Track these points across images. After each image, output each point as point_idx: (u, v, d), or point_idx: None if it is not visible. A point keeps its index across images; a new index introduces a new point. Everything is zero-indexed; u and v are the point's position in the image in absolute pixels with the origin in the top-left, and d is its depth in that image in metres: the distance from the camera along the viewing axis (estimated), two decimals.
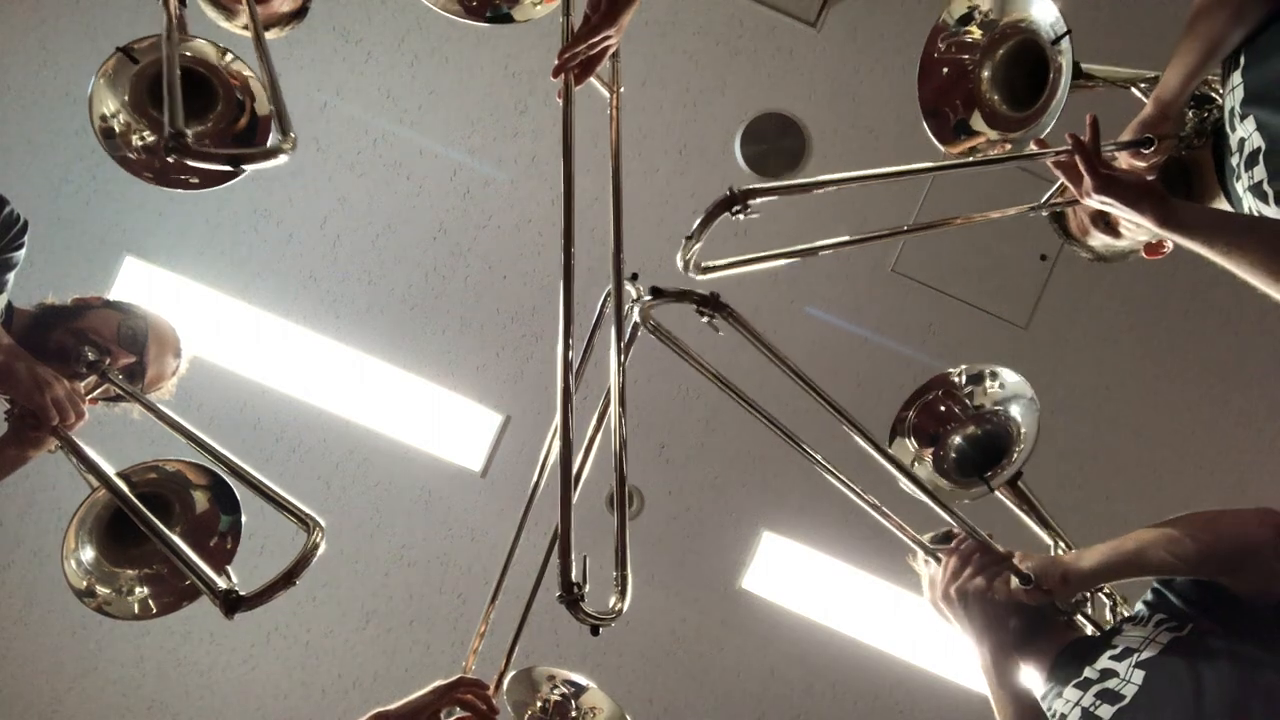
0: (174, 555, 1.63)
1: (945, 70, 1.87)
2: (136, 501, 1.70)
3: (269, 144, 1.73)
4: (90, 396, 1.90)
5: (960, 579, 1.57)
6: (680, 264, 1.62)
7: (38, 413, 1.78)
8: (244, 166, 1.66)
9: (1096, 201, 1.55)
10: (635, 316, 1.77)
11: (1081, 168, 1.54)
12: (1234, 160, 1.64)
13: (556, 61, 1.62)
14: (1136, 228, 1.82)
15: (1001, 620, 1.54)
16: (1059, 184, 1.73)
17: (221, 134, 1.82)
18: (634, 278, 1.72)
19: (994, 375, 1.95)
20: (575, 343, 1.49)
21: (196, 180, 1.80)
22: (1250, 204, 1.61)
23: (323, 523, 1.69)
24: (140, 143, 1.79)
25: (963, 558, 1.59)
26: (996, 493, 1.91)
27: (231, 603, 1.57)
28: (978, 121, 1.85)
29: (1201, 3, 1.60)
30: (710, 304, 1.78)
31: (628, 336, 1.67)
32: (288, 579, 1.61)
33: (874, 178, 1.83)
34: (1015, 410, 1.90)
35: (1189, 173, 1.75)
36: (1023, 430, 1.88)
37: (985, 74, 1.83)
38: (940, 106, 1.89)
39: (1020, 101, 1.80)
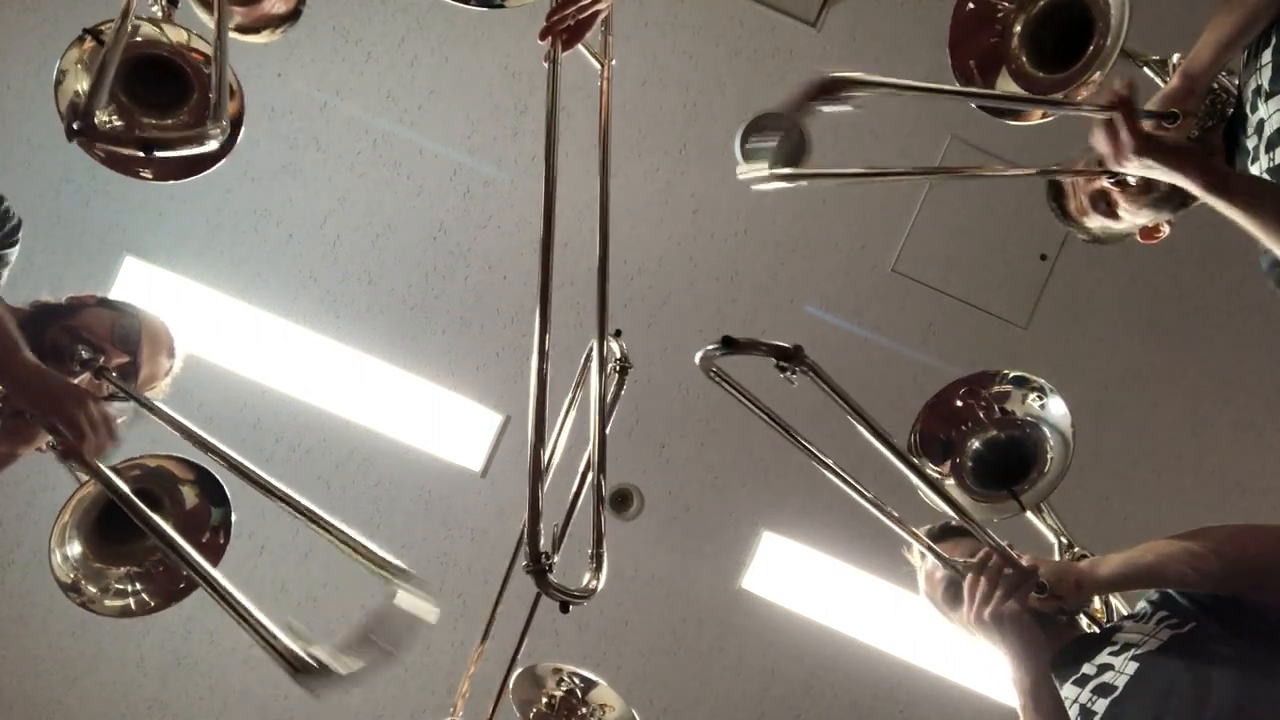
0: (246, 622, 1.31)
1: (980, 28, 1.81)
2: (165, 528, 1.50)
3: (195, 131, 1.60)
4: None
5: (993, 603, 1.53)
6: (739, 160, 1.48)
7: (66, 432, 1.64)
8: (156, 153, 1.58)
9: (1136, 164, 1.51)
10: (696, 361, 1.65)
11: (1122, 127, 1.50)
12: (1250, 142, 1.62)
13: (545, 23, 1.60)
14: (1136, 212, 1.80)
15: (1041, 644, 1.50)
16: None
17: (196, 124, 1.80)
18: (617, 334, 1.65)
19: (1040, 392, 1.89)
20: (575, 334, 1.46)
21: (149, 174, 1.78)
22: None
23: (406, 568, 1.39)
24: (108, 124, 1.77)
25: (990, 577, 1.55)
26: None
27: (307, 672, 1.24)
28: (1006, 82, 1.81)
29: None
30: (793, 359, 1.56)
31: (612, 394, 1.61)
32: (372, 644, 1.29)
33: (959, 94, 1.80)
34: (1047, 430, 1.87)
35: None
36: (1053, 448, 1.85)
37: (1017, 29, 1.78)
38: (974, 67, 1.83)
39: (1048, 65, 1.76)
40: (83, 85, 1.75)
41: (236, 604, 1.35)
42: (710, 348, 1.60)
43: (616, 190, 1.76)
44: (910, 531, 1.68)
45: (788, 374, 1.57)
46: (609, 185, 1.63)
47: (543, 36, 1.61)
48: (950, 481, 1.90)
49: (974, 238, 3.78)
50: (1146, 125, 1.67)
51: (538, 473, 1.29)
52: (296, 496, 1.55)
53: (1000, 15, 1.79)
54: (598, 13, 1.64)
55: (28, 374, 1.67)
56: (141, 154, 1.59)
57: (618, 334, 1.69)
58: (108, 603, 1.84)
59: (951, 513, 1.64)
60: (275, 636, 1.26)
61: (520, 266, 3.79)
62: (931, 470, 1.89)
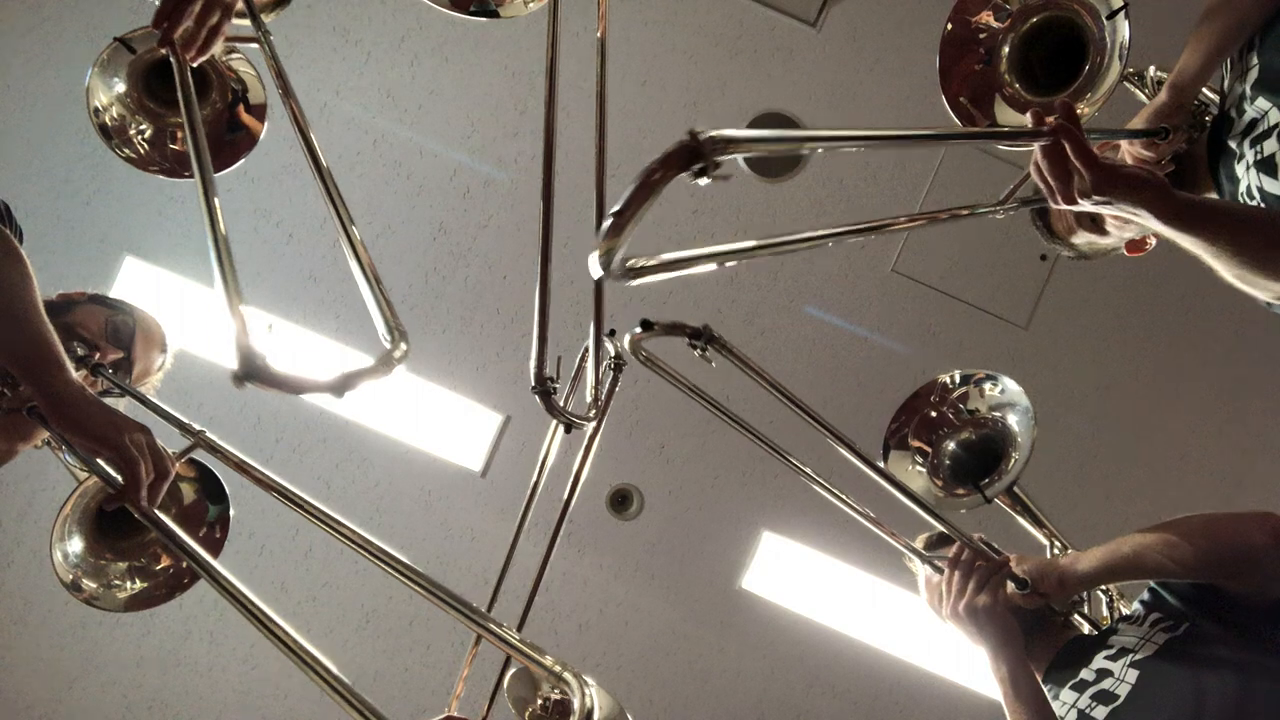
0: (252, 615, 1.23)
1: (972, 56, 1.69)
2: (189, 542, 1.38)
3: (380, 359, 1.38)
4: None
5: (967, 596, 1.55)
6: (597, 263, 1.04)
7: (119, 471, 1.46)
8: (347, 391, 1.33)
9: (1089, 203, 1.31)
10: (624, 345, 1.74)
11: (1075, 161, 1.28)
12: (1233, 142, 1.61)
13: None
14: (1124, 225, 1.77)
15: (1016, 633, 1.52)
16: (1023, 177, 1.50)
17: (214, 120, 1.83)
18: (611, 334, 1.68)
19: (993, 380, 1.92)
20: (568, 334, 1.47)
21: (189, 173, 1.81)
22: (1252, 180, 1.58)
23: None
24: (141, 135, 1.79)
25: (964, 572, 1.57)
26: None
27: None
28: (1003, 110, 1.70)
29: None
30: (701, 336, 1.71)
31: (607, 391, 1.63)
32: None
33: (869, 139, 1.41)
34: (1012, 419, 1.88)
35: (1183, 166, 1.71)
36: (1018, 439, 1.86)
37: (1005, 52, 1.67)
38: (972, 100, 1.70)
39: (1042, 87, 1.66)
40: (103, 99, 1.76)
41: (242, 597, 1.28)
42: (635, 332, 1.69)
43: (616, 190, 1.76)
44: (893, 534, 1.69)
45: (701, 351, 1.65)
46: (605, 138, 1.62)
47: None
48: (923, 476, 1.92)
49: (974, 238, 3.78)
50: (1135, 145, 1.63)
51: (545, 298, 1.32)
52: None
53: (983, 37, 1.68)
54: None
55: (71, 394, 1.46)
56: (334, 395, 1.28)
57: (611, 334, 1.72)
58: (111, 597, 1.84)
59: (908, 500, 1.65)
60: (280, 627, 1.19)
61: (520, 266, 3.79)
62: (906, 455, 1.91)
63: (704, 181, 0.98)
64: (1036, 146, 1.32)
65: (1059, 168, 1.29)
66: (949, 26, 1.69)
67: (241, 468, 1.55)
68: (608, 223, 0.98)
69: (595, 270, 1.00)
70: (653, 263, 1.08)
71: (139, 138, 1.83)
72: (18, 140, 3.62)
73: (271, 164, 3.68)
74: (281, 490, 1.47)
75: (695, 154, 0.96)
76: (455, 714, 2.15)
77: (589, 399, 1.60)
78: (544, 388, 1.31)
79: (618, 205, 0.97)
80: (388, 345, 1.31)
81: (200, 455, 1.80)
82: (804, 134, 1.24)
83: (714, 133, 0.97)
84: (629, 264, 1.05)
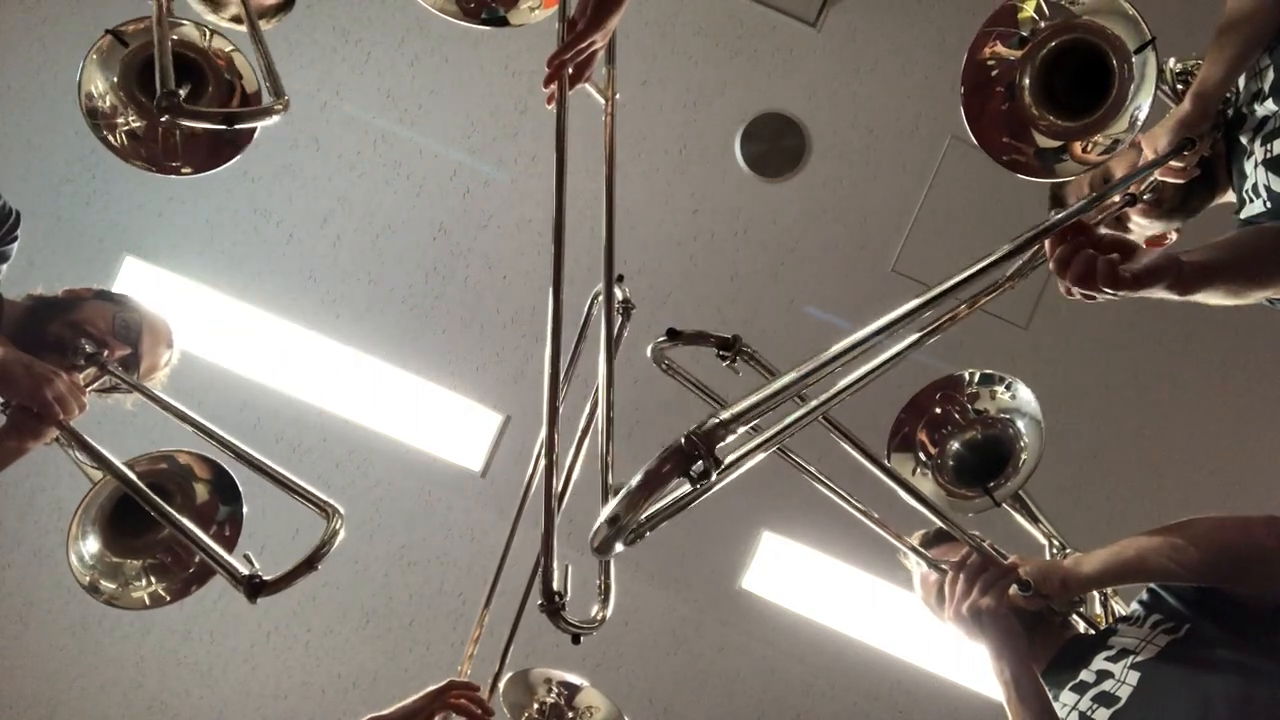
0: (192, 541, 1.63)
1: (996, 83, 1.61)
2: (146, 489, 1.69)
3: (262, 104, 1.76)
4: (87, 388, 1.90)
5: (971, 598, 1.55)
6: (594, 544, 1.05)
7: (41, 410, 1.76)
8: (237, 125, 1.71)
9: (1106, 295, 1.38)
10: (647, 353, 1.73)
11: (1104, 283, 1.34)
12: (1245, 139, 1.60)
13: (547, 70, 1.61)
14: (1146, 225, 1.77)
15: (1019, 635, 1.52)
16: (1036, 253, 1.55)
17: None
18: (619, 279, 1.66)
19: (1007, 385, 1.90)
20: (566, 347, 1.45)
21: (189, 169, 1.82)
22: (1260, 177, 1.57)
23: (341, 509, 1.69)
24: (128, 126, 1.80)
25: (969, 575, 1.56)
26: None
27: (254, 587, 1.57)
28: (1047, 143, 1.63)
29: None
30: (731, 347, 1.71)
31: (616, 332, 1.62)
32: (310, 564, 1.61)
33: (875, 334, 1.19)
34: (1021, 424, 1.87)
35: (1207, 169, 1.69)
36: (1027, 444, 1.86)
37: (1026, 84, 1.60)
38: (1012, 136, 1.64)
39: (1070, 109, 1.60)
40: (99, 84, 1.78)
41: (179, 523, 1.61)
42: (659, 341, 1.69)
43: (616, 190, 1.75)
44: (899, 536, 1.69)
45: (730, 362, 1.63)
46: (614, 219, 1.63)
47: (547, 83, 1.62)
48: (927, 476, 1.91)
49: (974, 238, 3.78)
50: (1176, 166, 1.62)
51: (551, 511, 1.32)
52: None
53: (997, 74, 1.62)
54: (595, 52, 1.65)
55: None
56: (223, 126, 1.73)
57: (620, 279, 1.72)
58: (130, 596, 1.85)
59: (918, 504, 1.65)
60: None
61: (520, 267, 3.79)
62: (919, 467, 1.91)
63: (714, 478, 0.99)
64: (1047, 243, 1.40)
65: (1091, 280, 1.38)
66: (963, 89, 1.64)
67: (184, 418, 1.83)
68: (605, 517, 1.00)
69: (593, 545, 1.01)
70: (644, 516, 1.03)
71: (124, 128, 1.83)
72: (18, 140, 3.62)
73: (271, 164, 3.68)
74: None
75: (690, 458, 0.97)
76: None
77: (601, 392, 1.58)
78: (554, 605, 1.27)
79: (616, 503, 0.97)
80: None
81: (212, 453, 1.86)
82: (798, 375, 1.13)
83: (712, 421, 0.96)
84: (626, 532, 1.03)
